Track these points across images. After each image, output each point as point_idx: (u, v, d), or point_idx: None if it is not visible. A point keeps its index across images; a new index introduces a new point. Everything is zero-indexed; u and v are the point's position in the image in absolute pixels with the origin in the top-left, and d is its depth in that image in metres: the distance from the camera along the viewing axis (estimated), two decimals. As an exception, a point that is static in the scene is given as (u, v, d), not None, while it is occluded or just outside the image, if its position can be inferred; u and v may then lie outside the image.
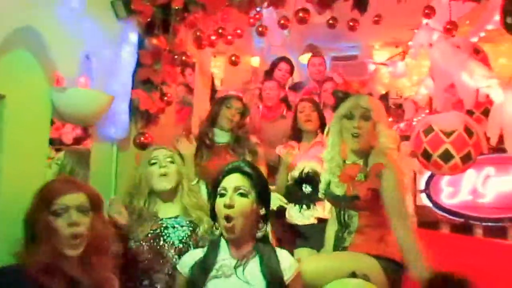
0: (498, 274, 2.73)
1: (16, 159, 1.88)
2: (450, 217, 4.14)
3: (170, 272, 1.89)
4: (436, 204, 4.20)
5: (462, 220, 4.11)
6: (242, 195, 1.59)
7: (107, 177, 2.55)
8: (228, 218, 1.57)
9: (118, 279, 1.67)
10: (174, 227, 2.00)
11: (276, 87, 3.64)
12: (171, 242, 1.95)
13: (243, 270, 1.58)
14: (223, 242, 1.66)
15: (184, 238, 1.97)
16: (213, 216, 1.67)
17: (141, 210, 2.03)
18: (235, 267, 1.59)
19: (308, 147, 2.90)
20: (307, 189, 2.80)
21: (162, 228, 1.99)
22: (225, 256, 1.64)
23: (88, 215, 1.53)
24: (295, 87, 4.38)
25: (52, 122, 3.11)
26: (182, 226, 2.01)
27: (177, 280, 1.73)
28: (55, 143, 3.03)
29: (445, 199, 4.19)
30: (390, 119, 5.16)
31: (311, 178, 2.77)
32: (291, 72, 4.06)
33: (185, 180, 2.13)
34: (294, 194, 2.80)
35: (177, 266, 1.73)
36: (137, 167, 2.14)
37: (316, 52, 4.97)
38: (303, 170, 2.77)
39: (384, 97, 5.57)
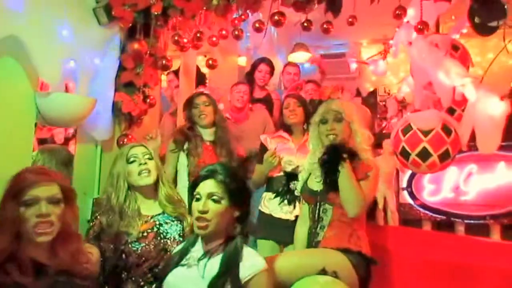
0: (480, 271, 2.80)
1: (1, 161, 1.97)
2: (432, 214, 4.17)
3: None
4: (418, 202, 4.23)
5: (444, 217, 4.14)
6: (215, 201, 1.69)
7: (91, 177, 2.65)
8: (200, 219, 1.68)
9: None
10: (167, 223, 2.07)
11: (248, 91, 3.70)
12: (172, 238, 2.03)
13: (205, 264, 1.67)
14: (199, 237, 1.76)
15: (181, 232, 2.05)
16: (190, 212, 1.77)
17: (121, 207, 2.05)
18: (199, 260, 1.70)
19: (301, 142, 2.90)
20: (294, 185, 2.83)
21: (158, 226, 2.04)
22: (196, 249, 1.75)
23: (60, 206, 1.55)
24: None
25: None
26: (173, 221, 2.08)
27: None
28: (48, 143, 3.07)
29: (427, 197, 4.21)
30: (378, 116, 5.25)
31: None
32: (271, 73, 4.09)
33: (164, 177, 2.17)
34: (279, 186, 2.84)
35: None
36: (113, 165, 2.15)
37: (305, 50, 5.04)
38: (297, 166, 2.78)
39: (372, 94, 5.65)
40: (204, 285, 1.61)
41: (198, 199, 1.71)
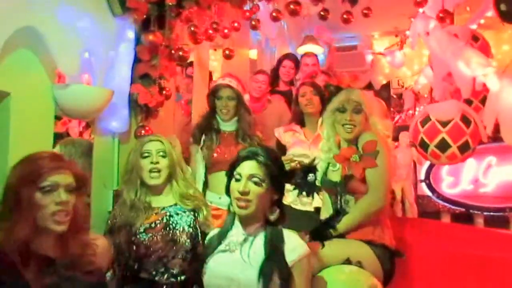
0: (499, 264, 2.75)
1: (22, 153, 1.93)
2: (451, 206, 4.13)
3: (183, 256, 1.96)
4: (437, 194, 4.19)
5: (463, 209, 4.09)
6: (256, 183, 1.64)
7: (110, 169, 2.63)
8: (240, 199, 1.63)
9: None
10: (177, 214, 2.03)
11: (267, 81, 3.65)
12: (181, 229, 1.99)
13: (249, 248, 1.64)
14: (236, 220, 1.73)
15: (192, 223, 2.02)
16: (229, 193, 1.72)
17: (132, 201, 2.04)
18: (241, 244, 1.66)
19: (315, 135, 2.87)
20: (311, 178, 2.80)
21: (168, 217, 2.02)
22: (235, 233, 1.70)
23: (74, 195, 1.51)
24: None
25: (59, 118, 3.19)
26: (184, 212, 2.05)
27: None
28: (63, 138, 3.08)
29: (446, 189, 4.18)
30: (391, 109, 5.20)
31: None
32: (295, 68, 4.01)
33: (178, 173, 2.11)
34: (297, 179, 2.81)
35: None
36: (128, 157, 2.12)
37: (314, 43, 5.00)
38: (314, 159, 2.77)
39: (386, 87, 5.59)
40: (250, 269, 1.58)
41: (238, 180, 1.66)
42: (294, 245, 1.65)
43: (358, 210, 2.12)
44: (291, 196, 2.79)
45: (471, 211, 4.04)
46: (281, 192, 1.73)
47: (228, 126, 2.87)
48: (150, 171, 2.04)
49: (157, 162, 2.04)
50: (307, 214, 2.69)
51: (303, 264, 1.63)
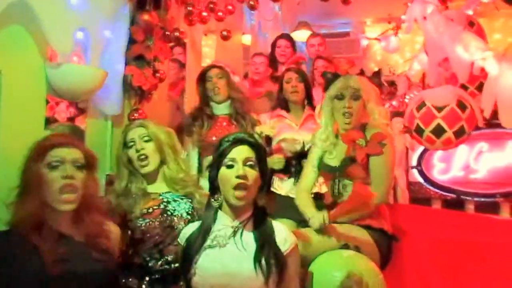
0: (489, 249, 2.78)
1: (13, 133, 1.89)
2: (442, 193, 4.16)
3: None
4: (428, 180, 4.22)
5: (453, 195, 4.13)
6: (251, 166, 1.58)
7: (102, 153, 2.57)
8: (239, 187, 1.55)
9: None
10: (175, 201, 1.99)
11: (266, 63, 3.60)
12: (180, 215, 1.95)
13: (240, 239, 1.58)
14: (220, 213, 1.64)
15: (190, 210, 1.98)
16: (213, 187, 1.64)
17: (124, 190, 1.99)
18: (231, 236, 1.59)
19: (302, 119, 2.85)
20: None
21: (165, 203, 1.97)
22: (221, 227, 1.62)
23: (83, 171, 1.51)
24: None
25: (47, 101, 3.11)
26: (182, 199, 2.01)
27: (179, 252, 1.73)
28: (50, 122, 3.00)
29: (437, 175, 4.21)
30: (382, 96, 5.19)
31: None
32: (292, 47, 3.95)
33: (168, 155, 2.04)
34: (291, 167, 2.78)
35: (178, 239, 1.73)
36: (117, 148, 2.07)
37: (308, 28, 4.95)
38: (304, 145, 2.73)
39: (377, 75, 5.58)
40: (248, 261, 1.52)
41: (231, 166, 1.57)
42: (285, 236, 1.62)
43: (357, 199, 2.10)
44: (287, 186, 2.79)
45: (462, 197, 4.07)
46: (266, 177, 1.68)
47: (221, 109, 2.85)
48: (138, 159, 1.98)
49: (142, 148, 1.98)
50: None
51: (295, 254, 1.63)
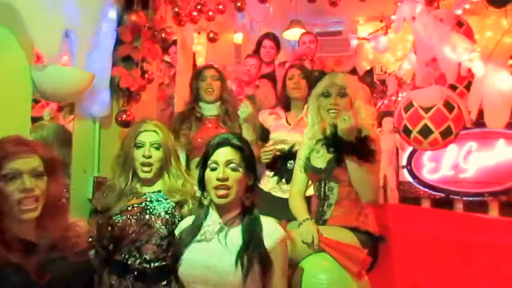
0: (478, 248, 2.80)
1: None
2: (431, 192, 4.18)
3: (158, 243, 1.91)
4: (418, 180, 4.24)
5: (443, 195, 4.15)
6: (233, 169, 1.62)
7: (90, 155, 2.56)
8: (219, 188, 1.60)
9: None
10: (158, 200, 1.99)
11: (258, 65, 3.60)
12: (157, 214, 1.95)
13: (226, 235, 1.62)
14: (211, 210, 1.71)
15: (170, 209, 1.97)
16: (202, 186, 1.69)
17: (121, 189, 2.00)
18: (217, 232, 1.64)
19: (297, 119, 2.84)
20: (290, 165, 2.77)
21: (147, 202, 1.98)
22: (210, 223, 1.68)
23: (43, 179, 1.44)
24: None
25: (37, 101, 3.09)
26: (166, 199, 2.00)
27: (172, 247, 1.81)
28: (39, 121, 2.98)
29: (427, 175, 4.23)
30: (374, 95, 5.20)
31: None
32: (276, 47, 3.97)
33: (170, 164, 2.04)
34: (276, 166, 2.79)
35: (175, 231, 1.80)
36: (123, 145, 2.05)
37: (301, 27, 4.93)
38: (293, 146, 2.73)
39: (369, 73, 5.59)
40: (229, 257, 1.56)
41: (214, 169, 1.63)
42: (271, 230, 1.64)
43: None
44: (271, 183, 2.80)
45: (451, 196, 4.09)
46: (255, 176, 1.71)
47: (210, 110, 2.86)
48: (142, 164, 1.99)
49: (150, 156, 1.98)
50: (287, 201, 2.66)
51: (281, 248, 1.64)
